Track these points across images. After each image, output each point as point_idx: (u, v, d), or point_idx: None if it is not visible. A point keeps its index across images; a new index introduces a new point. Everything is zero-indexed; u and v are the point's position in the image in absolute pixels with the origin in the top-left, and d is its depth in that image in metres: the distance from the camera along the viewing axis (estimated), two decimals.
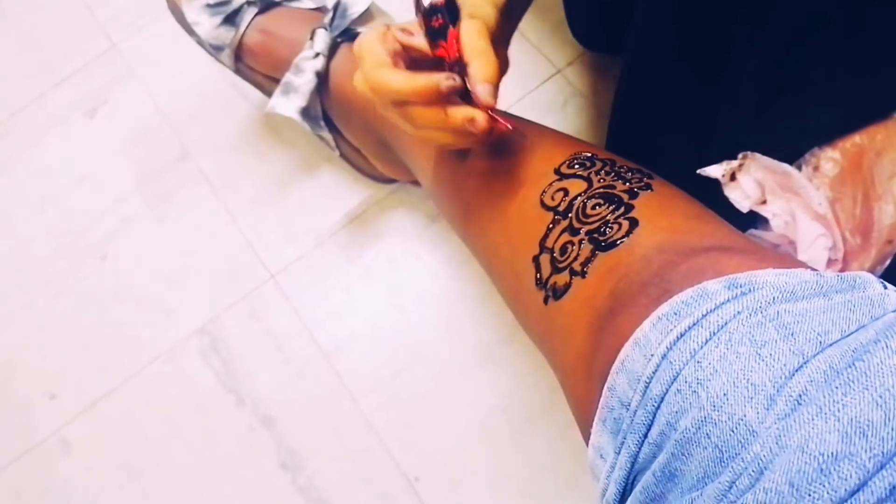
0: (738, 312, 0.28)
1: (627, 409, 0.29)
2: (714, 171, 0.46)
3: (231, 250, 0.72)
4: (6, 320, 0.71)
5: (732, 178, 0.47)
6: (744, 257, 0.32)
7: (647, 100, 0.54)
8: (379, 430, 0.66)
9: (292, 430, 0.67)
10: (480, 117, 0.39)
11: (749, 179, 0.47)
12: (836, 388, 0.25)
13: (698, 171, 0.46)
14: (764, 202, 0.47)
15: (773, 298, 0.28)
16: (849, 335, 0.27)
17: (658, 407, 0.28)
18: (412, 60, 0.42)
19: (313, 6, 0.67)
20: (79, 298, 0.71)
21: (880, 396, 0.24)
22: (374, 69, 0.40)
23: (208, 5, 0.63)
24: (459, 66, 0.40)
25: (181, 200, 0.73)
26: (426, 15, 0.40)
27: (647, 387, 0.28)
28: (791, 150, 0.47)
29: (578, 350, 0.34)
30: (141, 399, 0.68)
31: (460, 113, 0.39)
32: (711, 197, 0.46)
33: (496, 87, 0.39)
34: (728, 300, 0.28)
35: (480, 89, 0.38)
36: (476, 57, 0.39)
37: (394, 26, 0.42)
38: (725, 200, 0.46)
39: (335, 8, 0.63)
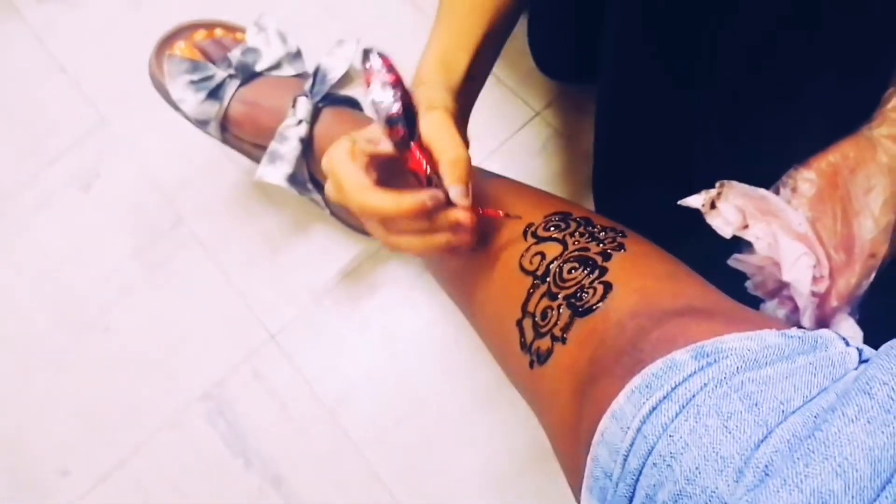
0: (705, 384, 0.29)
1: (610, 480, 0.30)
2: (694, 201, 0.48)
3: (230, 313, 0.73)
4: (12, 399, 0.72)
5: (713, 206, 0.48)
6: (712, 321, 0.33)
7: (629, 123, 0.55)
8: (386, 480, 0.67)
9: (302, 488, 0.68)
10: (465, 217, 0.40)
11: (729, 206, 0.48)
12: (799, 458, 0.26)
13: (679, 202, 0.48)
14: (746, 227, 0.48)
15: (738, 368, 0.29)
16: (811, 400, 0.28)
17: (637, 479, 0.29)
18: (382, 163, 0.42)
19: (294, 73, 0.69)
20: (82, 372, 0.72)
21: (839, 465, 0.25)
22: (357, 193, 0.40)
23: (192, 82, 0.64)
24: (432, 170, 0.39)
25: (177, 267, 0.75)
26: (387, 125, 0.40)
27: (625, 460, 0.29)
28: (772, 170, 0.48)
29: (563, 416, 0.36)
30: (151, 468, 0.69)
31: (445, 219, 0.40)
32: (695, 226, 0.47)
33: (467, 184, 0.39)
34: (695, 371, 0.30)
35: (454, 192, 0.39)
36: (442, 159, 0.39)
37: (358, 137, 0.42)
38: (709, 228, 0.48)
39: (315, 74, 0.65)
